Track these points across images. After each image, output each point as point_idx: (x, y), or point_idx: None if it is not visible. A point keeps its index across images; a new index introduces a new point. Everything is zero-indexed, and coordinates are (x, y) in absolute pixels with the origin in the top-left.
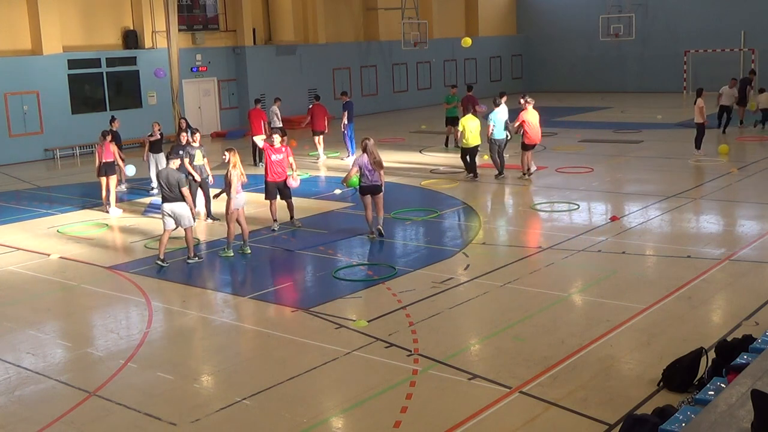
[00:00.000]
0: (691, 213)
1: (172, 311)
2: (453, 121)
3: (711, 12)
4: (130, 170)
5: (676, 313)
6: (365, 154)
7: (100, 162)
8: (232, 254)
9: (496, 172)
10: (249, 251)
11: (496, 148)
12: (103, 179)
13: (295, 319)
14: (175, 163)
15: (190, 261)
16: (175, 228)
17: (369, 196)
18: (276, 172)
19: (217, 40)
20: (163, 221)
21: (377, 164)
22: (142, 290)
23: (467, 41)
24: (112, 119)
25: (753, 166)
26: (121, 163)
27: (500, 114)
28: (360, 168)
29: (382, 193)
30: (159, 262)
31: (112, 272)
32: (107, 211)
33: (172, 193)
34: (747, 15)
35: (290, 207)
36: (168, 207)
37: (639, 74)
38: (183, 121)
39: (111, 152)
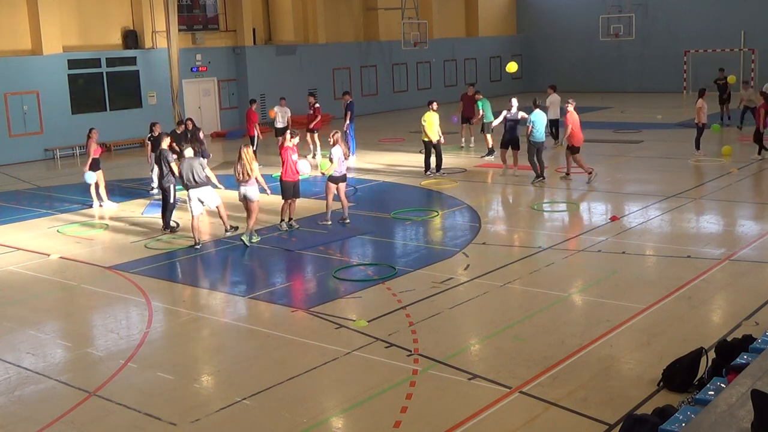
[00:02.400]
0: (691, 213)
1: (172, 311)
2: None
3: (711, 12)
4: (89, 177)
5: (676, 313)
6: (338, 146)
7: (90, 159)
8: (258, 239)
9: (533, 176)
10: (256, 239)
11: (534, 150)
12: (98, 174)
13: (295, 319)
14: (189, 152)
15: (228, 233)
16: (202, 213)
17: (336, 184)
18: (294, 172)
19: (217, 40)
20: (190, 207)
21: (346, 156)
22: (142, 290)
23: (513, 66)
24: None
25: (753, 166)
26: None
27: (540, 115)
28: (333, 158)
29: (345, 183)
30: (197, 246)
31: (112, 272)
32: (100, 206)
33: (196, 181)
34: (747, 15)
35: (293, 207)
36: (194, 193)
37: (639, 74)
38: (189, 121)
39: (100, 149)
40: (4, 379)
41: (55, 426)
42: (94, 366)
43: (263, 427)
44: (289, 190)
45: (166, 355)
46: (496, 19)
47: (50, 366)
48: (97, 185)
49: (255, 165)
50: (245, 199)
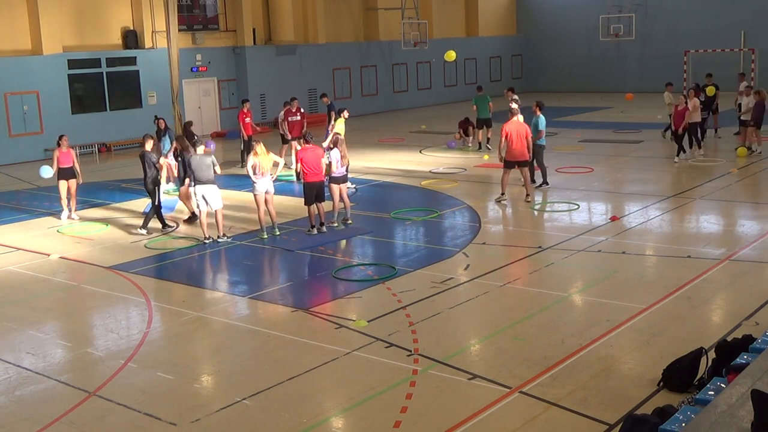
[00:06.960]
0: (691, 213)
1: (172, 311)
2: (486, 123)
3: (711, 12)
4: (46, 172)
5: (676, 313)
6: (336, 148)
7: (59, 167)
8: (266, 236)
9: (541, 181)
10: (278, 233)
11: (542, 154)
12: (65, 183)
13: (295, 319)
14: (201, 149)
15: (220, 240)
16: (206, 211)
17: (337, 185)
18: (317, 171)
19: (217, 40)
20: (197, 204)
21: (345, 157)
22: (142, 290)
23: (451, 55)
24: (156, 118)
25: (753, 166)
26: (78, 167)
27: (543, 119)
28: (332, 161)
29: (347, 183)
30: (206, 241)
31: (112, 272)
32: (71, 217)
33: (203, 178)
34: (747, 15)
35: (321, 211)
36: (200, 190)
37: (639, 74)
38: (162, 121)
39: (71, 157)
40: (4, 379)
41: (55, 426)
42: (94, 366)
43: (263, 427)
44: (313, 192)
45: (166, 355)
46: (496, 19)
47: (50, 366)
48: (69, 192)
49: (267, 160)
50: (266, 192)
